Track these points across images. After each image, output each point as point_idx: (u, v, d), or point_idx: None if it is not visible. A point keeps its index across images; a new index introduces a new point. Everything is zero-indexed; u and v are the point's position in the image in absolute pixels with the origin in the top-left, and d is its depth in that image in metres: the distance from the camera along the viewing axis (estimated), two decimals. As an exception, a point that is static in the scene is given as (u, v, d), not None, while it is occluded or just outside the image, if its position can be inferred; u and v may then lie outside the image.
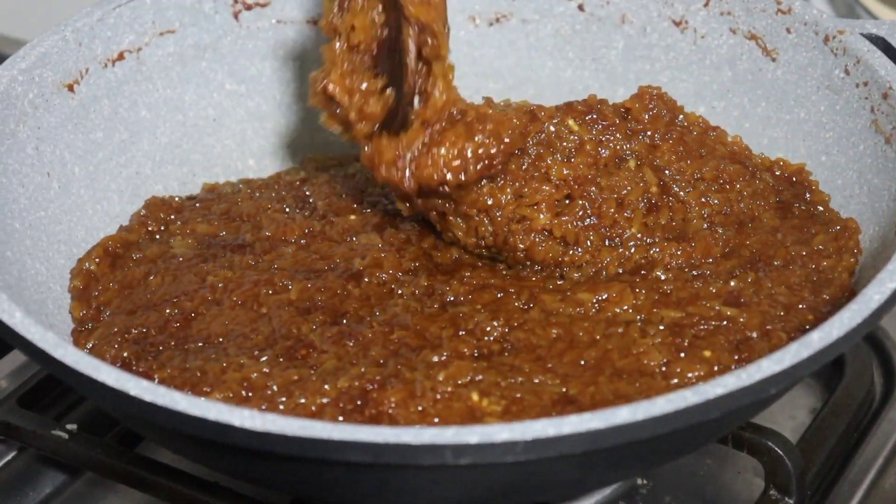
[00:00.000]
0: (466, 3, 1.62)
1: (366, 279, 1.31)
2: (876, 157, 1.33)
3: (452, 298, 1.28)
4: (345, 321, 1.25)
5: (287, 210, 1.43)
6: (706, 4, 1.51)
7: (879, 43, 1.38)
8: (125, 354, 1.24)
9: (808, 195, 1.38)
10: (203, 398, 1.12)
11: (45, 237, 1.37)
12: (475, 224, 1.32)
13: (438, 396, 1.14)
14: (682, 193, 1.33)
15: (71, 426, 1.33)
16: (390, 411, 1.13)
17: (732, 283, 1.25)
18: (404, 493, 1.10)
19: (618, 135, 1.34)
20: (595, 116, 1.34)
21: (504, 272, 1.32)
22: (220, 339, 1.25)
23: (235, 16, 1.57)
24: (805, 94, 1.43)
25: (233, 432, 0.99)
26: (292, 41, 1.61)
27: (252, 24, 1.58)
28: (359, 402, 1.14)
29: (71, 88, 1.44)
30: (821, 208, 1.36)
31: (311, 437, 0.98)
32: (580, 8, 1.59)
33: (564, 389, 1.14)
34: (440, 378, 1.15)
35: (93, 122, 1.46)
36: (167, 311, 1.29)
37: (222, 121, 1.58)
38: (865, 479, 1.32)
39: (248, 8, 1.58)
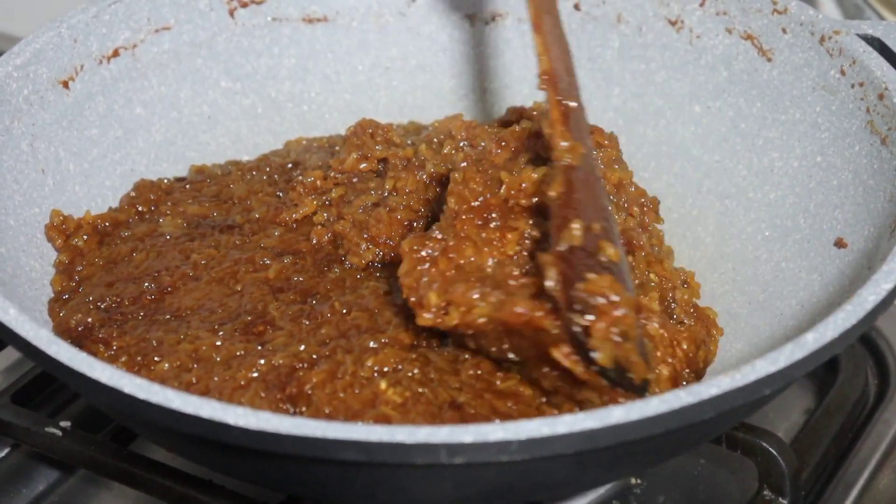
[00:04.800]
0: (463, 2, 1.62)
1: (348, 263, 1.32)
2: (871, 158, 1.33)
3: None
4: (314, 301, 1.28)
5: (280, 194, 1.44)
6: (702, 4, 1.51)
7: (875, 44, 1.38)
8: (89, 320, 1.27)
9: None
10: (152, 367, 1.20)
11: (40, 234, 1.37)
12: None
13: (354, 381, 1.16)
14: None
15: (65, 423, 1.33)
16: (308, 391, 1.16)
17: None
18: (398, 491, 1.10)
19: None
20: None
21: None
22: (188, 313, 1.28)
23: (231, 13, 1.57)
24: (800, 94, 1.43)
25: (226, 430, 0.99)
26: (288, 39, 1.61)
27: (248, 22, 1.58)
28: (284, 380, 1.17)
29: (66, 85, 1.44)
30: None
31: (305, 435, 0.98)
32: (576, 7, 1.59)
33: (456, 396, 1.16)
34: (368, 364, 1.18)
35: (87, 119, 1.46)
36: (145, 284, 1.31)
37: (217, 118, 1.58)
38: (859, 480, 1.33)
39: (244, 5, 1.58)
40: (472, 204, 1.22)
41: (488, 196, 1.22)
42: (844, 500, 1.30)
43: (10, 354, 1.44)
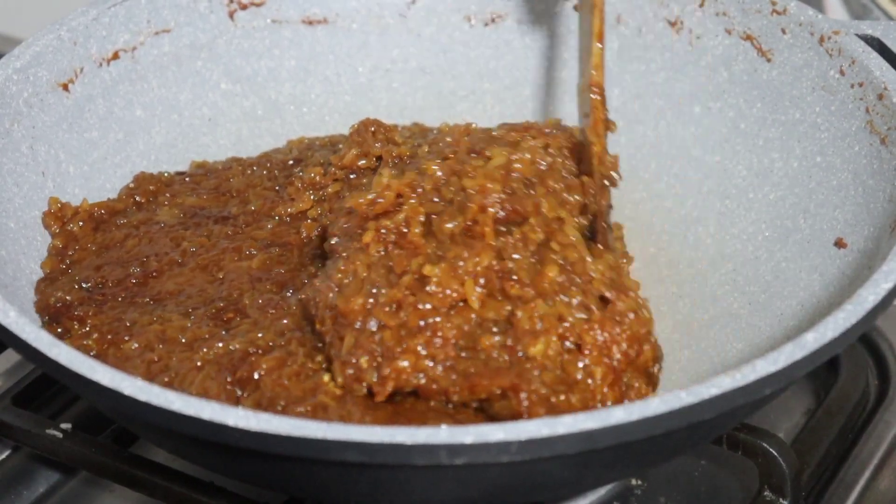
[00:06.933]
0: (462, 3, 1.62)
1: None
2: (871, 158, 1.33)
3: None
4: (289, 293, 1.28)
5: (278, 189, 1.44)
6: (701, 5, 1.51)
7: (874, 44, 1.38)
8: (68, 298, 1.28)
9: None
10: (121, 345, 1.22)
11: (40, 237, 1.37)
12: None
13: (301, 370, 1.18)
14: None
15: (65, 425, 1.32)
16: (256, 376, 1.17)
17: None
18: (399, 492, 1.10)
19: None
20: None
21: None
22: (167, 297, 1.29)
23: (231, 15, 1.57)
24: (800, 94, 1.43)
25: (226, 432, 0.99)
26: (288, 41, 1.61)
27: (247, 24, 1.59)
28: (237, 364, 1.18)
29: (66, 88, 1.44)
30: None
31: (305, 436, 0.98)
32: (575, 9, 1.58)
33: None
34: (318, 359, 1.19)
35: (88, 122, 1.46)
36: (132, 268, 1.32)
37: (217, 120, 1.58)
38: (860, 481, 1.33)
39: (244, 7, 1.58)
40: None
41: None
42: (845, 500, 1.30)
43: (11, 357, 1.44)
